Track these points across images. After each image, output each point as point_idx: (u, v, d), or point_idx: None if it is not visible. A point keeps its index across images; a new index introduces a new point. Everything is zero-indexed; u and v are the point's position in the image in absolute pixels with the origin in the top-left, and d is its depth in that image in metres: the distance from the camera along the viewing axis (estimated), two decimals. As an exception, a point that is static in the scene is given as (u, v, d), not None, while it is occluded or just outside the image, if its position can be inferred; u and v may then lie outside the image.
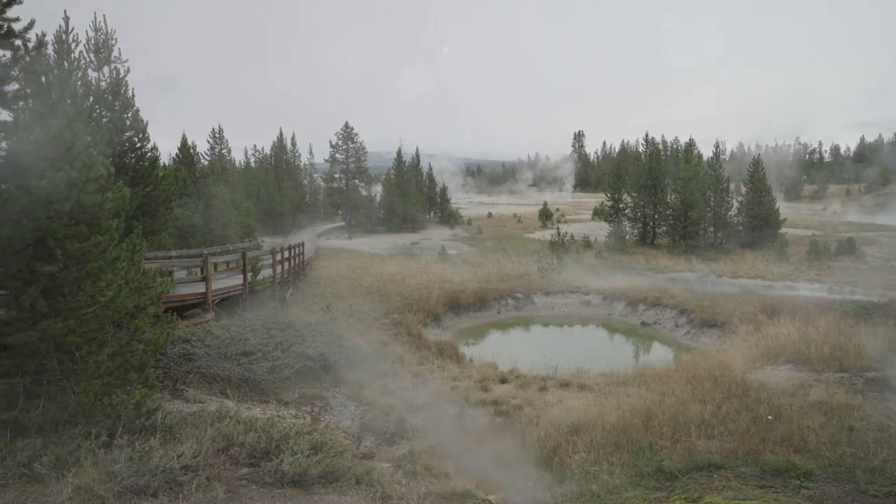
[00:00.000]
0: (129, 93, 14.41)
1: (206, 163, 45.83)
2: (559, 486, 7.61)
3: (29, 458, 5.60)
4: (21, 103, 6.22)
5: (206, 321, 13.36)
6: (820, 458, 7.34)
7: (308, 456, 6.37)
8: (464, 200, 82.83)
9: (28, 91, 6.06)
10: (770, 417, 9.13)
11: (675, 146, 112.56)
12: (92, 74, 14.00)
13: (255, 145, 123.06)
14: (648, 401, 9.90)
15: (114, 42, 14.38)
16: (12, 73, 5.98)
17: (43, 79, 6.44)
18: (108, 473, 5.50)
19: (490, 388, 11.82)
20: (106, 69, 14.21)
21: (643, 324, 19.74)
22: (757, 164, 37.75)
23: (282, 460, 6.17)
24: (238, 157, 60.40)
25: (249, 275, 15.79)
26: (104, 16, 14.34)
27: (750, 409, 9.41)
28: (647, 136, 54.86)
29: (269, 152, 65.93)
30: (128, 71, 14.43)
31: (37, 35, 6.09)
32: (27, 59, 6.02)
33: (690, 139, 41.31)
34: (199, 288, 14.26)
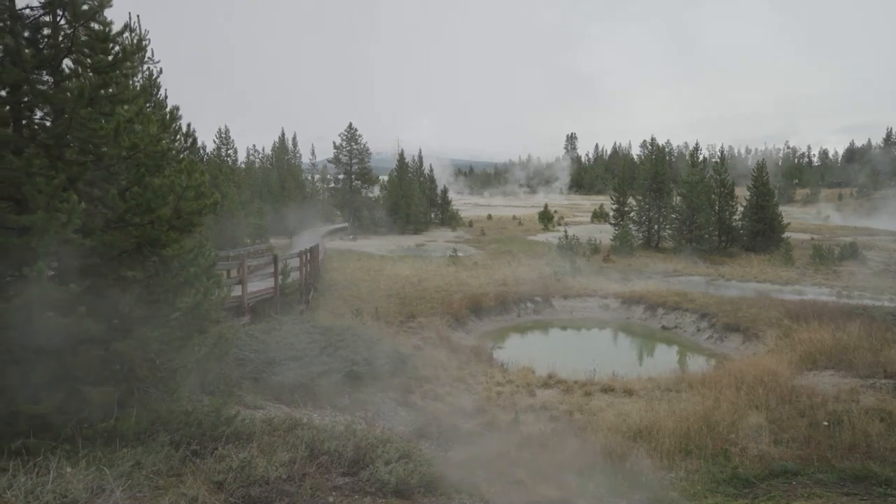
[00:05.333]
0: (162, 94, 14.28)
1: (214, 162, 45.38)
2: (634, 492, 7.61)
3: (130, 469, 5.53)
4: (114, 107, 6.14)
5: (243, 325, 13.27)
6: (896, 466, 7.43)
7: (400, 464, 6.34)
8: (459, 202, 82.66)
9: (127, 94, 5.99)
10: (825, 423, 9.22)
11: (667, 149, 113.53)
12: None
13: (254, 145, 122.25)
14: (702, 406, 9.94)
15: (147, 43, 14.19)
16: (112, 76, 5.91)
17: (135, 82, 6.40)
18: (215, 484, 5.44)
19: (535, 393, 11.84)
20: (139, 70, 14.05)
21: (663, 328, 19.83)
22: (761, 168, 38.09)
23: (377, 469, 6.12)
24: (240, 157, 59.84)
25: (280, 277, 15.70)
26: (138, 16, 14.17)
27: (805, 415, 9.50)
28: (652, 139, 55.16)
29: (269, 152, 65.63)
30: (160, 72, 14.31)
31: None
32: (126, 62, 5.97)
33: (697, 143, 41.66)
34: (234, 290, 14.15)
